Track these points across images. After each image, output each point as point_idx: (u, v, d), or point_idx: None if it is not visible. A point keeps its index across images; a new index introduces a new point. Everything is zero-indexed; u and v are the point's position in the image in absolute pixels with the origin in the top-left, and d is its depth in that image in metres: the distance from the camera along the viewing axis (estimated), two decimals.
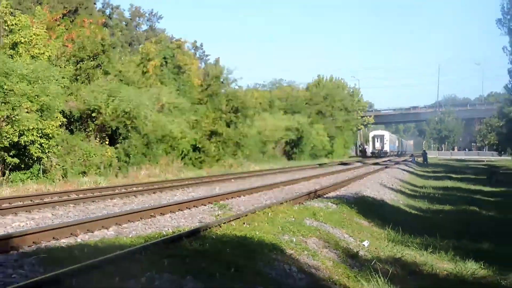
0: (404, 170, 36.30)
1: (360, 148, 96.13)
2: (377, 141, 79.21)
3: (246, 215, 10.80)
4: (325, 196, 16.67)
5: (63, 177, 20.56)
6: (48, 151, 20.02)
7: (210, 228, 9.21)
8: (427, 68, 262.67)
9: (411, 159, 56.93)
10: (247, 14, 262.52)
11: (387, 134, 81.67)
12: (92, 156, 23.24)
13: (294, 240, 8.90)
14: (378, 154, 77.07)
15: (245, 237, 8.42)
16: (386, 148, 78.76)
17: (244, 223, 9.94)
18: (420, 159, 57.00)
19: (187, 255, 6.89)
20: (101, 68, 27.58)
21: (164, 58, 35.63)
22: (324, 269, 8.05)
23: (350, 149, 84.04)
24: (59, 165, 20.85)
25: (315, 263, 8.17)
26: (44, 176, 19.94)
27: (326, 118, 66.96)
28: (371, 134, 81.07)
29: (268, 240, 8.41)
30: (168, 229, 10.00)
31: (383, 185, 22.61)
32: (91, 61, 26.98)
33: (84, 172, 22.50)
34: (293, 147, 50.34)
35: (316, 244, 9.25)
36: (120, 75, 29.02)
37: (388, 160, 58.17)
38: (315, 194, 16.33)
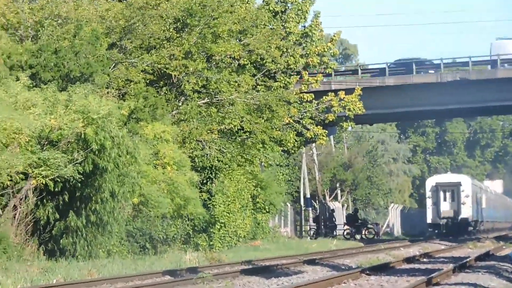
0: None
1: (313, 212, 54.86)
2: (444, 198, 58.33)
3: None
4: None
5: None
6: None
7: None
8: None
9: None
10: None
11: (467, 182, 60.28)
12: None
13: None
14: (449, 227, 56.54)
15: None
16: (467, 212, 57.76)
17: None
18: None
19: None
20: None
21: None
22: None
23: (275, 213, 43.63)
24: None
25: None
26: None
27: (187, 100, 32.06)
28: (429, 183, 59.93)
29: None
30: None
31: None
32: None
33: None
34: (54, 212, 23.00)
35: None
36: None
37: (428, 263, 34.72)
38: None
